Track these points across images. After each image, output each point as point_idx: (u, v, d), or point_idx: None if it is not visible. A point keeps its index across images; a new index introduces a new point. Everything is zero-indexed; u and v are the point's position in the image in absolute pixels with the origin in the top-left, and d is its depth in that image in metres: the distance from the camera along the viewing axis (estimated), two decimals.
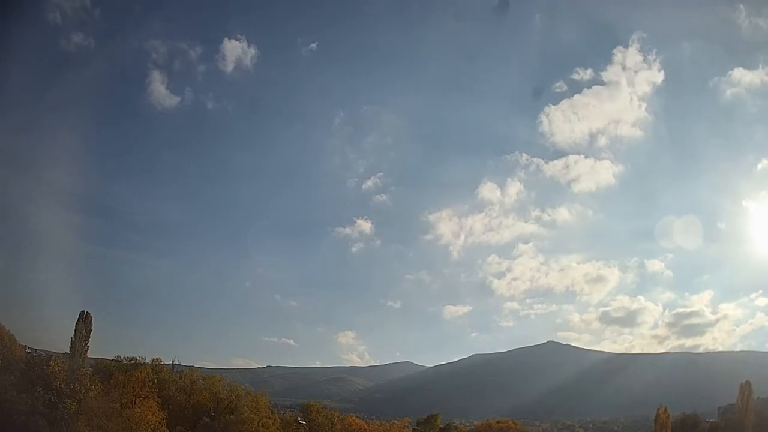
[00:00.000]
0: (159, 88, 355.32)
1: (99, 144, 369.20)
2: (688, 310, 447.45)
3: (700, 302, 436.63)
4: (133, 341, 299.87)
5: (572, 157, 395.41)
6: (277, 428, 65.35)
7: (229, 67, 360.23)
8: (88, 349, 65.40)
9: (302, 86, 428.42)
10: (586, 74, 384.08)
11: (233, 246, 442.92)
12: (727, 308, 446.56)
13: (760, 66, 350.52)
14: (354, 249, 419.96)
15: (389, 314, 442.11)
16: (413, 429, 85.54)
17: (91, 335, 65.64)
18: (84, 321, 65.26)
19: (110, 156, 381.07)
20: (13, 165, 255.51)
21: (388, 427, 79.55)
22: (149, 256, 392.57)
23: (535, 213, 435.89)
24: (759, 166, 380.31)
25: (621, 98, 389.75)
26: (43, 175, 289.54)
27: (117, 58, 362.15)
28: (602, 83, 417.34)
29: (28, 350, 67.67)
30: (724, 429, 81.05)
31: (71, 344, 64.29)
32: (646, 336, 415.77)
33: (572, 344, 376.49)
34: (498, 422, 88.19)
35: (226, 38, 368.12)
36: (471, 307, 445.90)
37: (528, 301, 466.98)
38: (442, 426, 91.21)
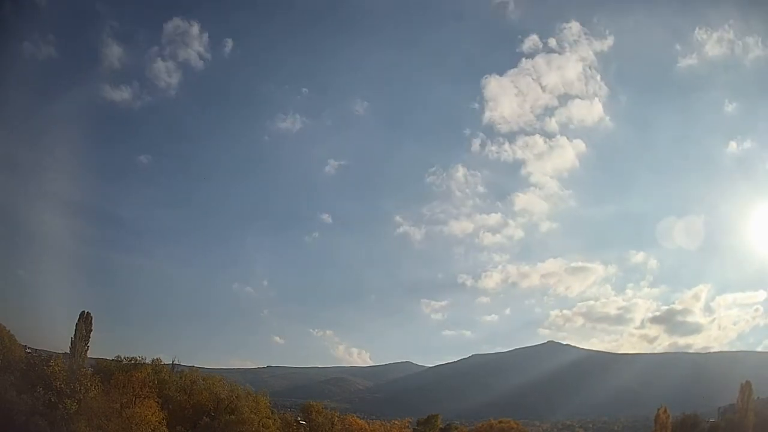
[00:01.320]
0: (124, 93, 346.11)
1: (95, 151, 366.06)
2: (679, 306, 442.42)
3: (692, 299, 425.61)
4: (133, 341, 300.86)
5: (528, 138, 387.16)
6: (277, 428, 65.35)
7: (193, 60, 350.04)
8: (88, 349, 65.28)
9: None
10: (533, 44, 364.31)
11: (232, 246, 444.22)
12: (723, 304, 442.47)
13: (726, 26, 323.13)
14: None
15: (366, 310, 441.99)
16: (413, 429, 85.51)
17: (91, 335, 65.62)
18: (84, 321, 65.19)
19: (107, 162, 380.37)
20: (13, 172, 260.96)
21: (389, 427, 79.49)
22: (148, 258, 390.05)
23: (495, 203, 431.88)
24: (728, 150, 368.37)
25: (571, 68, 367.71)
26: (42, 182, 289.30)
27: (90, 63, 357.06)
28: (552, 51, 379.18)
29: (28, 350, 67.61)
30: (724, 429, 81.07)
31: (71, 344, 64.17)
32: (635, 334, 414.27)
33: (572, 344, 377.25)
34: (499, 422, 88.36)
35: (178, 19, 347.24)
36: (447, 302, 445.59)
37: (502, 296, 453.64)
38: (442, 426, 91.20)
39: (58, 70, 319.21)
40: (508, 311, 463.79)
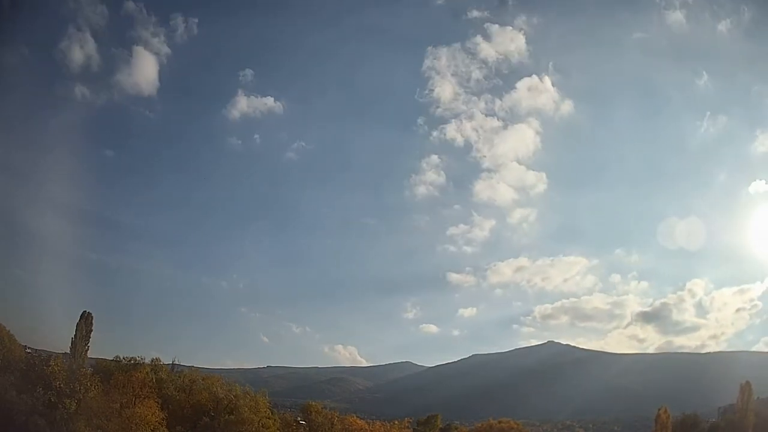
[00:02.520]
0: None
1: (95, 159, 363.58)
2: (671, 303, 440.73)
3: (684, 296, 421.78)
4: (133, 341, 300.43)
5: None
6: (277, 428, 65.37)
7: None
8: (88, 349, 65.37)
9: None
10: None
11: (231, 246, 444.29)
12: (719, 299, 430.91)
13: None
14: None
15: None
16: (413, 429, 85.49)
17: (91, 335, 65.64)
18: (85, 321, 65.23)
19: (107, 170, 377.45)
20: (13, 176, 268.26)
21: (389, 427, 79.39)
22: (148, 260, 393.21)
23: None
24: (702, 129, 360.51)
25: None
26: (41, 185, 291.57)
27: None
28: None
29: (28, 350, 67.69)
30: (724, 429, 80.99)
31: (71, 344, 64.24)
32: (624, 333, 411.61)
33: (572, 344, 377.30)
34: (499, 422, 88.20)
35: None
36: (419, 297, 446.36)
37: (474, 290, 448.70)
38: (442, 426, 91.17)
39: (49, 74, 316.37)
40: (483, 306, 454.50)
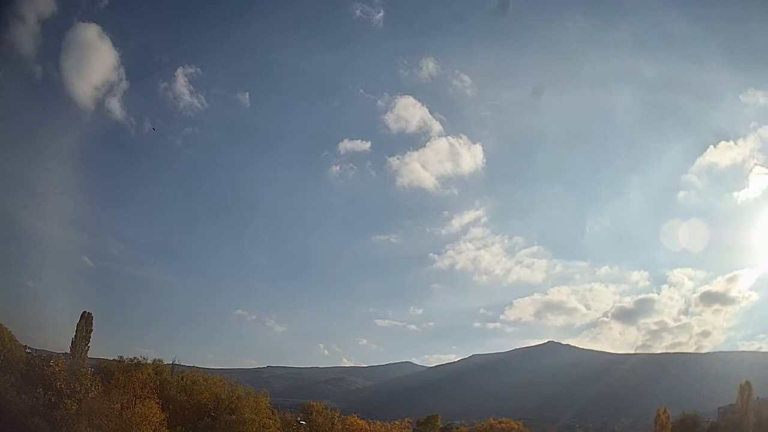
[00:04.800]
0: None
1: (95, 169, 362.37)
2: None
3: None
4: (133, 342, 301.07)
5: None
6: (278, 428, 65.31)
7: None
8: (88, 350, 65.56)
9: None
10: None
11: (231, 246, 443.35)
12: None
13: None
14: None
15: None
16: (413, 429, 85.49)
17: (91, 336, 65.73)
18: (85, 321, 65.31)
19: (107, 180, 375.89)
20: (21, 188, 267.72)
21: (390, 427, 79.37)
22: (147, 259, 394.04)
23: None
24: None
25: None
26: (46, 196, 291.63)
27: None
28: None
29: (28, 350, 67.62)
30: (724, 429, 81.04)
31: (72, 344, 64.37)
32: (624, 334, 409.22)
33: (572, 344, 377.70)
34: (500, 422, 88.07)
35: None
36: None
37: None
38: (442, 426, 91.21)
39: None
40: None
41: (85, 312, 66.26)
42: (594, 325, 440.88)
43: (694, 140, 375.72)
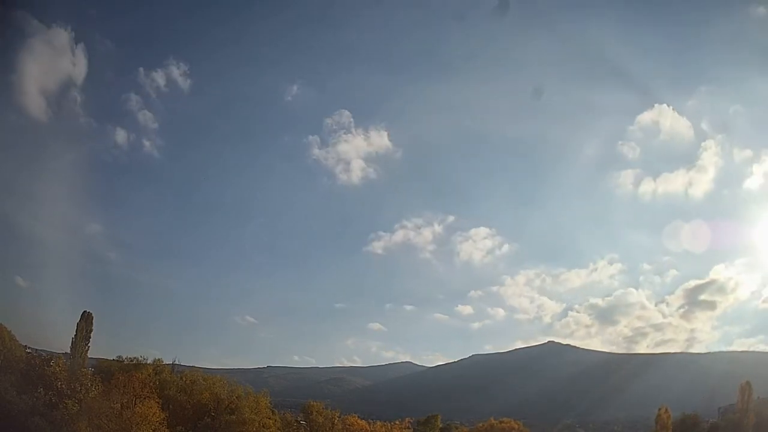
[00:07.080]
0: None
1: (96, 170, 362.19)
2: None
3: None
4: (133, 342, 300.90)
5: None
6: (278, 428, 65.26)
7: None
8: (88, 349, 65.46)
9: None
10: None
11: (230, 246, 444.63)
12: None
13: None
14: None
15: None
16: (413, 429, 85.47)
17: (91, 336, 65.67)
18: (85, 321, 65.24)
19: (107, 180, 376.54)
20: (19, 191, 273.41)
21: (390, 427, 79.39)
22: (147, 259, 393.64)
23: None
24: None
25: None
26: (46, 197, 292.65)
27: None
28: None
29: (28, 350, 67.54)
30: (724, 429, 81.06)
31: (72, 344, 64.28)
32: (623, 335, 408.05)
33: (572, 344, 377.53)
34: (500, 422, 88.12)
35: None
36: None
37: None
38: (442, 426, 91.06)
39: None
40: None
41: (85, 312, 66.12)
42: (593, 324, 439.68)
43: None
